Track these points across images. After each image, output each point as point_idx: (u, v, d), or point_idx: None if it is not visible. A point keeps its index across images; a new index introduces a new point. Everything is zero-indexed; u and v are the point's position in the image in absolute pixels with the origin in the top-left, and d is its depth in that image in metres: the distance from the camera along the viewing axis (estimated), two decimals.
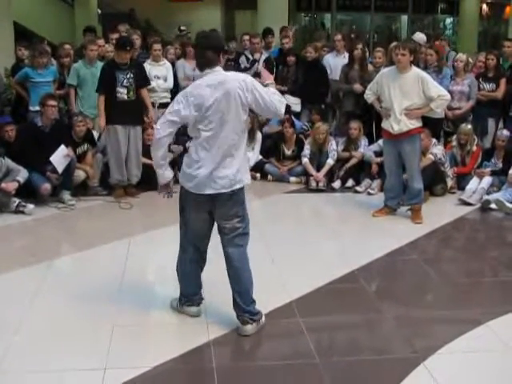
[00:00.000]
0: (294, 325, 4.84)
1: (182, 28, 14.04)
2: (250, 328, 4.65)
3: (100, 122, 8.38)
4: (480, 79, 9.54)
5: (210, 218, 4.65)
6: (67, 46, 10.01)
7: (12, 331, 4.69)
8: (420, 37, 10.92)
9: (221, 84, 4.40)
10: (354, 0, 26.21)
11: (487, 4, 27.03)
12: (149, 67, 9.38)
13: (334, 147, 9.23)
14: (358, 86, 9.46)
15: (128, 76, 8.25)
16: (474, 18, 24.72)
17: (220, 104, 4.39)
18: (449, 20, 28.36)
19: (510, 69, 9.85)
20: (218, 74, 4.47)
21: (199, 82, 4.50)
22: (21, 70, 9.39)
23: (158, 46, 9.71)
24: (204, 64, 4.50)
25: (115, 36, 10.16)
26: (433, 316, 5.11)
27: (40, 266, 6.03)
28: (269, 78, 4.94)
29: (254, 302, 4.72)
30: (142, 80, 8.51)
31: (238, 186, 4.55)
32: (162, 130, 4.49)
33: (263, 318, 4.76)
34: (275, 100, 4.52)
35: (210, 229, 4.72)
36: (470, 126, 9.02)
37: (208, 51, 4.45)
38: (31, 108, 9.13)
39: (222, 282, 4.80)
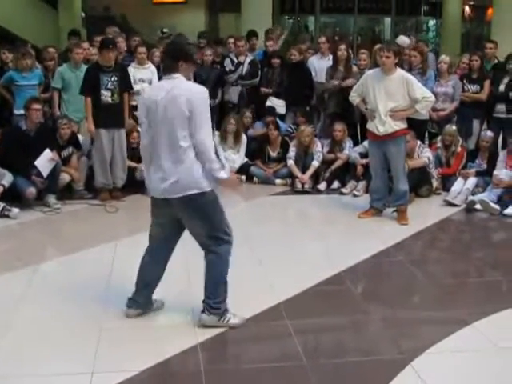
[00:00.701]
0: (281, 327, 4.84)
1: (165, 30, 14.05)
2: (204, 317, 4.72)
3: (88, 125, 8.34)
4: (464, 80, 9.58)
5: (170, 224, 4.71)
6: (51, 50, 9.96)
7: None
8: (403, 40, 10.95)
9: (170, 90, 4.43)
10: (338, 2, 26.29)
11: (470, 6, 27.18)
12: (133, 70, 9.37)
13: (319, 149, 9.24)
14: (337, 82, 9.50)
15: (112, 79, 8.23)
16: (457, 19, 24.85)
17: (161, 109, 4.43)
18: (432, 22, 28.50)
19: (493, 70, 9.91)
20: (172, 81, 4.49)
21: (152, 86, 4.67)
22: (5, 74, 9.34)
23: (142, 49, 9.70)
24: (164, 69, 4.70)
25: (99, 38, 10.13)
26: (419, 317, 5.12)
27: (26, 270, 5.99)
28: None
29: (216, 299, 4.70)
30: (126, 84, 8.50)
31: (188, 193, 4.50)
32: None
33: (230, 320, 4.75)
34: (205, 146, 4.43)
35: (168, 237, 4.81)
36: (454, 127, 9.07)
37: (167, 58, 4.59)
38: (16, 112, 9.08)
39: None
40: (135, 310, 4.94)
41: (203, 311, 4.74)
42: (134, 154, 8.71)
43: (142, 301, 4.94)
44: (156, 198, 4.64)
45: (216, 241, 4.64)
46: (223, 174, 4.52)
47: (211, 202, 4.58)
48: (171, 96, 4.39)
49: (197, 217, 4.57)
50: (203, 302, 4.74)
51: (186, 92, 4.39)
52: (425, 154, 8.69)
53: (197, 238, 4.68)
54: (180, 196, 4.48)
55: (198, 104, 4.39)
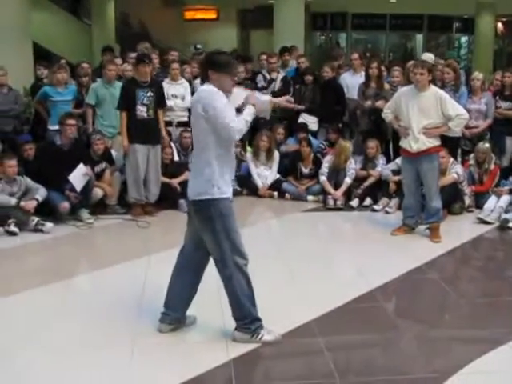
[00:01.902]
0: (313, 344, 4.83)
1: (198, 47, 14.13)
2: (236, 334, 4.77)
3: (123, 140, 8.42)
4: (497, 97, 9.52)
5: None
6: (85, 65, 10.08)
7: (33, 349, 4.71)
8: (428, 56, 10.92)
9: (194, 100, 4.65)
10: (369, 19, 26.30)
11: (502, 22, 27.04)
12: (167, 86, 9.43)
13: (353, 166, 9.21)
14: (370, 103, 9.50)
15: (148, 94, 8.29)
16: (490, 36, 24.73)
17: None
18: (464, 38, 28.39)
19: None
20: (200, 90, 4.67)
21: None
22: (40, 89, 9.47)
23: (176, 65, 9.79)
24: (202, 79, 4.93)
25: (133, 55, 10.24)
26: (453, 335, 5.08)
27: (59, 284, 6.05)
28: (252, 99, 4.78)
29: (244, 320, 4.71)
30: (161, 100, 8.56)
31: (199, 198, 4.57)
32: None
33: (264, 337, 4.74)
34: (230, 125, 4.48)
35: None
36: (487, 145, 9.00)
37: (200, 68, 4.83)
38: (50, 127, 9.19)
39: None
40: (168, 325, 4.94)
41: (236, 328, 4.76)
42: (167, 169, 8.77)
43: (175, 315, 4.94)
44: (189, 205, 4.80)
45: (225, 263, 4.63)
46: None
47: (223, 216, 4.57)
48: (193, 105, 4.63)
49: (205, 229, 4.60)
50: (234, 319, 4.77)
51: (197, 97, 4.62)
52: (454, 170, 8.62)
53: (211, 254, 4.73)
54: (192, 200, 4.61)
55: (207, 102, 4.47)
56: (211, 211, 4.53)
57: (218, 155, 4.54)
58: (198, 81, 10.19)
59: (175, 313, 4.93)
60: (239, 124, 4.52)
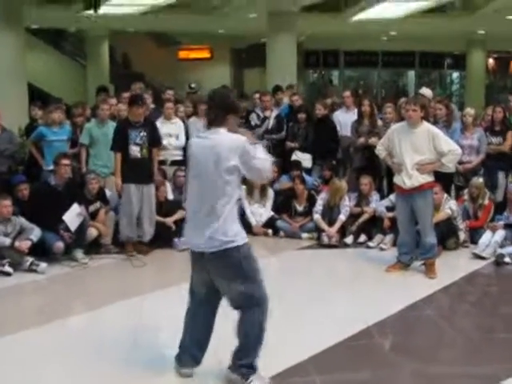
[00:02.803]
0: (310, 382, 4.79)
1: (192, 86, 14.26)
2: (228, 373, 4.65)
3: (116, 180, 8.42)
4: (487, 133, 9.58)
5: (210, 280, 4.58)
6: (80, 106, 10.13)
7: None
8: (426, 91, 11.01)
9: (214, 146, 4.36)
10: (361, 56, 26.56)
11: (493, 58, 27.33)
12: (160, 125, 9.48)
13: (347, 203, 9.21)
14: (363, 140, 9.56)
15: (141, 134, 8.32)
16: (481, 72, 24.97)
17: (201, 162, 4.42)
18: (455, 74, 28.66)
19: None
20: (216, 136, 4.40)
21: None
22: (35, 130, 9.51)
23: (170, 105, 9.85)
24: (210, 122, 4.48)
25: (127, 95, 10.31)
26: (450, 372, 5.05)
27: (53, 325, 6.00)
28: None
29: (246, 360, 4.58)
30: (155, 139, 8.59)
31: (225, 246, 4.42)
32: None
33: (256, 382, 4.58)
34: (260, 165, 4.44)
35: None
36: (481, 180, 9.03)
37: (216, 110, 4.44)
38: (45, 167, 9.22)
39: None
40: (190, 368, 4.81)
41: (230, 367, 4.65)
42: (161, 208, 8.77)
43: (199, 357, 4.80)
44: (194, 252, 4.57)
45: (250, 300, 4.53)
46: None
47: (247, 258, 4.51)
48: (215, 153, 4.33)
49: (230, 275, 4.46)
50: (232, 357, 4.64)
51: (228, 144, 4.34)
52: (448, 206, 8.65)
53: (229, 296, 4.58)
54: (212, 252, 4.40)
55: (247, 151, 4.35)
56: (236, 257, 4.43)
57: (236, 200, 4.48)
58: (193, 119, 10.25)
59: (194, 355, 4.79)
60: (268, 164, 4.50)
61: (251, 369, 4.60)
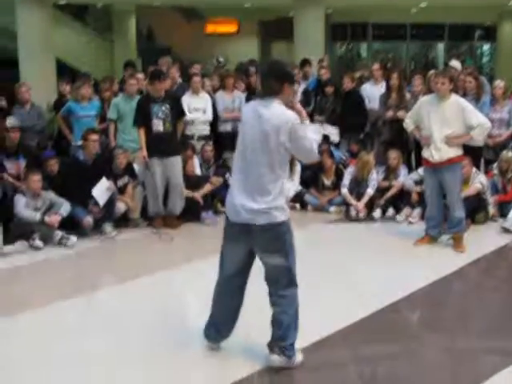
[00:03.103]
0: (338, 357, 4.82)
1: (220, 59, 14.18)
2: (274, 358, 4.58)
3: (142, 153, 8.46)
4: None
5: (247, 252, 4.57)
6: (109, 81, 10.17)
7: (55, 364, 4.74)
8: (456, 63, 10.90)
9: (262, 117, 4.32)
10: (390, 29, 26.26)
11: None
12: (188, 99, 9.49)
13: (375, 177, 9.18)
14: (391, 113, 9.49)
15: (163, 108, 8.34)
16: None
17: (253, 134, 4.37)
18: (486, 47, 28.26)
19: None
20: (272, 106, 4.34)
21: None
22: (64, 105, 9.56)
23: (197, 79, 9.84)
24: (265, 91, 4.41)
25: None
26: (479, 347, 5.05)
27: (83, 298, 6.09)
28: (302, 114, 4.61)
29: (288, 341, 4.56)
30: (178, 112, 8.60)
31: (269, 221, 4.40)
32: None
33: (298, 358, 4.63)
34: (309, 145, 4.41)
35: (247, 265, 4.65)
36: (511, 154, 8.94)
37: (271, 79, 4.36)
38: (74, 143, 9.29)
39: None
40: (217, 342, 4.85)
41: (273, 352, 4.59)
42: (188, 182, 8.79)
43: (228, 332, 4.81)
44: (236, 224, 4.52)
45: (292, 282, 4.54)
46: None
47: (290, 233, 4.54)
48: (264, 128, 4.30)
49: (276, 248, 4.46)
50: (271, 343, 4.60)
51: (278, 119, 4.28)
52: (477, 180, 8.59)
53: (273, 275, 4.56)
54: (262, 224, 4.38)
55: (295, 129, 4.31)
56: (282, 231, 4.46)
57: (284, 176, 4.47)
58: (220, 94, 10.21)
59: (221, 331, 4.79)
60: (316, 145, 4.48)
61: (293, 348, 4.61)
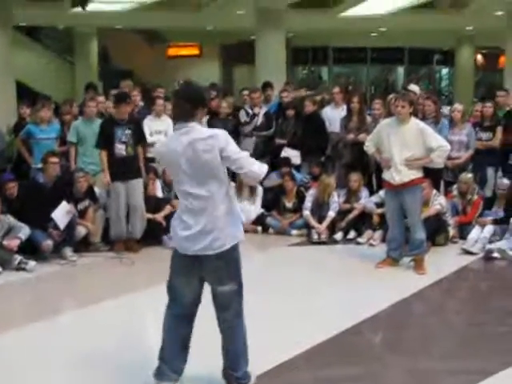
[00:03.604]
0: (300, 379, 4.80)
1: (182, 83, 14.16)
2: None
3: (104, 177, 8.40)
4: (476, 128, 9.60)
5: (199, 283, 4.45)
6: (68, 104, 10.10)
7: None
8: (414, 87, 11.04)
9: (189, 142, 4.18)
10: (350, 53, 26.57)
11: (482, 54, 27.39)
12: (150, 123, 9.47)
13: (336, 199, 9.22)
14: (352, 136, 9.57)
15: (126, 132, 8.32)
16: (470, 68, 25.03)
17: (186, 161, 4.21)
18: (445, 71, 28.72)
19: (505, 118, 9.92)
20: (188, 130, 4.22)
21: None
22: (24, 128, 9.47)
23: (161, 102, 9.83)
24: (180, 116, 4.29)
25: (115, 92, 10.30)
26: (440, 367, 5.05)
27: (42, 323, 5.97)
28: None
29: (243, 369, 4.49)
30: (140, 137, 8.57)
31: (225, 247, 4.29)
32: None
33: (252, 380, 4.55)
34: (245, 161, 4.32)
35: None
36: (470, 175, 9.05)
37: (185, 103, 4.23)
38: (34, 165, 9.20)
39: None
40: (172, 382, 4.54)
41: (227, 381, 4.51)
42: (148, 204, 8.73)
43: (179, 368, 4.55)
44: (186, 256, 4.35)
45: (241, 311, 4.46)
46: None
47: (239, 260, 4.44)
48: (193, 149, 4.16)
49: (229, 276, 4.35)
50: (226, 373, 4.52)
51: (211, 140, 4.17)
52: (437, 202, 8.67)
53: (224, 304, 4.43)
54: (217, 252, 4.25)
55: (226, 143, 4.21)
56: (235, 255, 4.36)
57: (228, 193, 4.37)
58: None
59: (175, 367, 4.53)
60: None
61: (247, 375, 4.54)
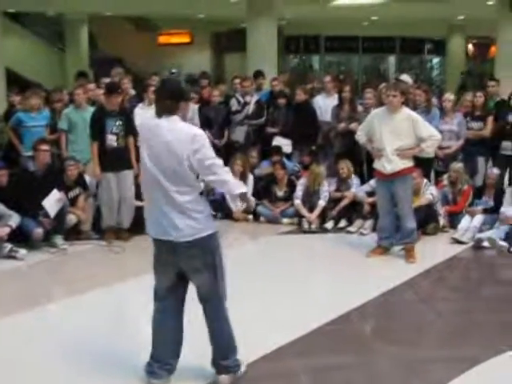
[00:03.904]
0: (290, 367, 4.81)
1: (173, 71, 14.14)
2: (223, 378, 4.52)
3: (94, 169, 8.37)
4: (467, 118, 9.62)
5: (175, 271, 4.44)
6: (58, 91, 10.06)
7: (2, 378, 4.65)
8: (405, 77, 11.04)
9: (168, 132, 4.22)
10: (342, 41, 26.54)
11: (473, 44, 27.41)
12: (141, 111, 9.41)
13: (326, 188, 9.23)
14: (343, 125, 9.57)
15: (117, 123, 8.28)
16: (461, 57, 25.03)
17: (159, 153, 4.24)
18: (436, 60, 28.73)
19: (496, 107, 9.95)
20: (172, 124, 4.26)
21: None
22: (14, 115, 9.43)
23: (153, 89, 9.76)
24: (162, 110, 4.30)
25: (107, 80, 10.25)
26: (431, 356, 5.08)
27: (32, 311, 5.98)
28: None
29: (233, 357, 4.53)
30: (131, 128, 8.53)
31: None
32: None
33: (242, 368, 4.60)
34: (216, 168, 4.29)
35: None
36: (460, 165, 9.07)
37: (167, 98, 4.27)
38: (24, 153, 9.16)
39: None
40: (165, 379, 4.54)
41: (220, 372, 4.53)
42: (139, 192, 8.70)
43: (170, 366, 4.55)
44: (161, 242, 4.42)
45: (221, 300, 4.46)
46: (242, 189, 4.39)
47: (219, 248, 4.43)
48: (169, 144, 4.19)
49: (203, 265, 4.34)
50: (215, 362, 4.53)
51: (187, 137, 4.19)
52: (429, 191, 8.70)
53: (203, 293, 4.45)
54: (188, 240, 4.27)
55: (201, 146, 4.20)
56: (211, 245, 4.35)
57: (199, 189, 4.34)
58: None
59: (166, 365, 4.52)
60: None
61: (237, 363, 4.57)
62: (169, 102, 4.28)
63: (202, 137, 4.25)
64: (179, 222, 4.25)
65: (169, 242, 4.32)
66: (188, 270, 4.38)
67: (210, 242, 4.35)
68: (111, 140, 8.27)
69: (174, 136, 4.20)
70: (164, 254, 4.42)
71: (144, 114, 9.37)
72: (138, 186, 8.64)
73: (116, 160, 8.28)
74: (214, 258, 4.37)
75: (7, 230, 7.74)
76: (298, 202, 9.24)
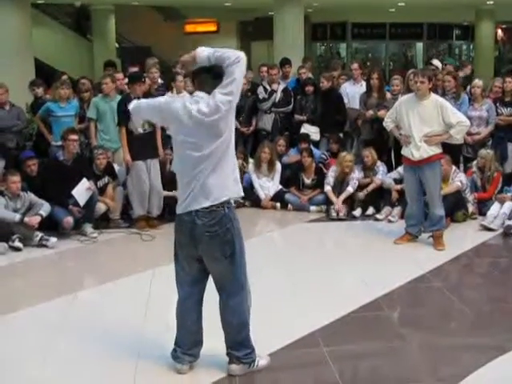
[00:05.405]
0: (317, 354, 4.83)
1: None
2: (233, 367, 4.51)
3: (124, 156, 8.41)
4: (497, 104, 9.52)
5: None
6: (86, 81, 10.11)
7: (35, 366, 4.73)
8: (436, 62, 10.98)
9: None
10: (369, 28, 26.38)
11: (502, 29, 27.09)
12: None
13: (356, 175, 9.20)
14: (372, 112, 9.52)
15: None
16: (490, 43, 24.75)
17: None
18: (464, 46, 28.44)
19: None
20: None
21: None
22: (41, 106, 9.50)
23: (181, 78, 9.80)
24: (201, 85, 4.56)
25: (133, 69, 10.30)
26: (458, 343, 5.07)
27: (63, 299, 6.06)
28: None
29: (245, 350, 4.51)
30: None
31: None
32: None
33: (259, 363, 4.56)
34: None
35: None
36: (489, 151, 8.99)
37: (210, 74, 4.57)
38: (53, 143, 9.25)
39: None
40: (188, 363, 4.60)
41: (231, 362, 4.52)
42: (167, 182, 8.75)
43: (196, 352, 4.62)
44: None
45: (242, 287, 4.42)
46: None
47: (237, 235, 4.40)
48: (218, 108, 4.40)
49: (223, 248, 4.32)
50: (227, 352, 4.53)
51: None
52: (458, 179, 8.64)
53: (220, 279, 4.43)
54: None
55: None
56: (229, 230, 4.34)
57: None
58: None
59: (189, 351, 4.56)
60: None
61: (250, 356, 4.54)
62: (211, 78, 4.54)
63: None
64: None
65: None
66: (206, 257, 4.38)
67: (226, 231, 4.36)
68: (137, 127, 8.29)
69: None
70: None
71: None
72: (163, 175, 8.69)
73: (143, 147, 8.31)
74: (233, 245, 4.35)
75: (38, 218, 7.83)
76: (328, 188, 9.19)
